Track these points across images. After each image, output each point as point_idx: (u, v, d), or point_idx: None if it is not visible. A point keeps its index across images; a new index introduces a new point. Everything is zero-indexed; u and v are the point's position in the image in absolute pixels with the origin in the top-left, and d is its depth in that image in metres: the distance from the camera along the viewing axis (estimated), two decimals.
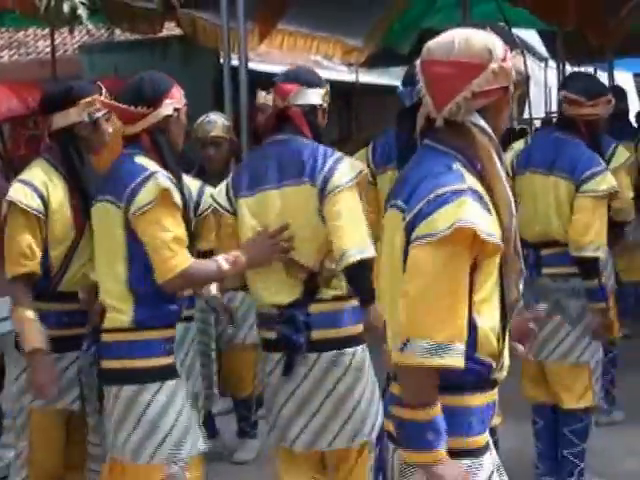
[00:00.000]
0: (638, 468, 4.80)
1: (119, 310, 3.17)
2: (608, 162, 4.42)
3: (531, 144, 4.52)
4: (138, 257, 3.15)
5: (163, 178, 3.13)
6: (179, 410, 3.20)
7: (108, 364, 3.21)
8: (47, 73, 9.65)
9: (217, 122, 4.98)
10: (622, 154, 4.68)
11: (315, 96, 3.56)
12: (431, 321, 2.13)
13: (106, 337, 3.21)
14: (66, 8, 3.53)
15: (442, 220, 2.12)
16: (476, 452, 2.27)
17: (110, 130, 3.51)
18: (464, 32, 2.31)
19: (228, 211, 3.55)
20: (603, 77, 12.71)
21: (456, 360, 2.13)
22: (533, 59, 14.40)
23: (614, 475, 4.67)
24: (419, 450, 2.17)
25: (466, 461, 2.25)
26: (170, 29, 9.12)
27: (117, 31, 10.17)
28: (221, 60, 9.60)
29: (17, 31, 13.13)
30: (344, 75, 12.98)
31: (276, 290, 3.46)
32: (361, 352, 3.47)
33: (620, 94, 7.02)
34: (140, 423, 3.16)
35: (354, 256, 3.24)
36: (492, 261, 2.22)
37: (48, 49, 11.88)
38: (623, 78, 18.32)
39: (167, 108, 3.21)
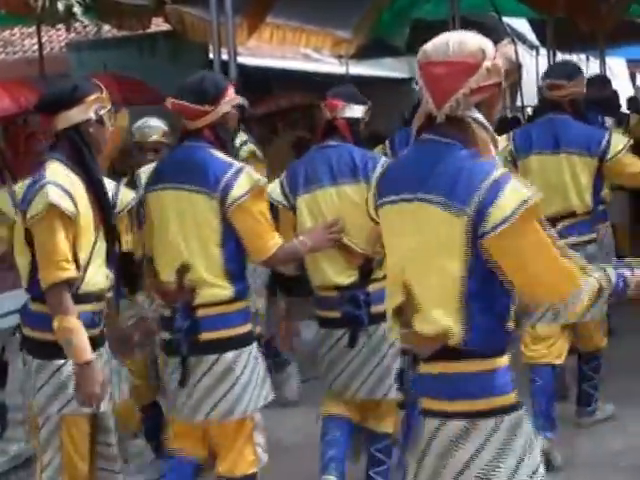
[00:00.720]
0: (625, 448, 4.83)
1: (220, 286, 3.63)
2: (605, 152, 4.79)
3: (528, 129, 5.01)
4: (231, 241, 3.64)
5: (253, 171, 3.67)
6: (261, 366, 3.75)
7: (209, 335, 3.63)
8: (34, 71, 9.64)
9: (157, 128, 5.02)
10: (619, 140, 4.92)
11: (358, 111, 4.16)
12: (571, 272, 2.42)
13: (207, 311, 3.63)
14: (61, 7, 3.53)
15: (512, 201, 2.32)
16: (520, 404, 2.49)
17: (111, 128, 3.52)
18: (457, 35, 2.49)
19: (285, 206, 4.10)
20: (595, 64, 12.78)
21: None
22: (524, 47, 14.44)
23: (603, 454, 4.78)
24: None
25: (521, 412, 2.48)
26: (158, 25, 9.13)
27: (104, 28, 10.17)
28: (210, 55, 9.69)
29: (3, 30, 13.13)
30: (334, 67, 12.99)
31: (335, 273, 4.03)
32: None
33: (605, 81, 7.42)
34: (238, 383, 3.63)
35: None
36: None
37: (35, 47, 11.87)
38: (616, 64, 18.39)
39: (226, 106, 3.66)
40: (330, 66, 13.24)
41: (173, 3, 7.91)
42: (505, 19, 12.51)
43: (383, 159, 4.13)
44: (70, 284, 3.31)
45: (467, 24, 10.13)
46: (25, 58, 12.22)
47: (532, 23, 13.70)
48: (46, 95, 3.50)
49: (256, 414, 3.76)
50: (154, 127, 5.01)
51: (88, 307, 3.43)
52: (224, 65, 6.03)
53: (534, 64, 15.04)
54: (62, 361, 3.36)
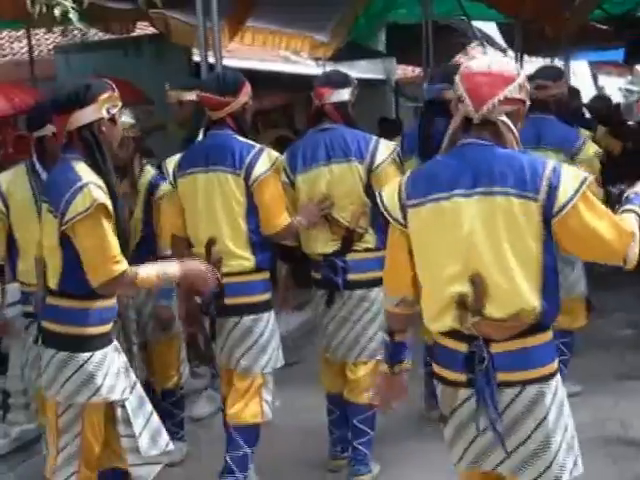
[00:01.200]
0: (591, 420, 4.91)
1: (244, 257, 4.02)
2: (576, 154, 5.04)
3: None
4: (254, 215, 4.01)
5: (272, 150, 4.09)
6: (277, 333, 4.19)
7: (231, 300, 4.02)
8: (23, 73, 9.59)
9: (124, 121, 5.01)
10: (591, 146, 5.18)
11: (345, 94, 4.37)
12: (627, 230, 2.74)
13: (232, 279, 4.00)
14: (57, 12, 3.53)
15: (572, 182, 2.67)
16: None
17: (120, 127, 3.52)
18: (499, 57, 3.03)
19: (287, 184, 4.35)
20: (559, 65, 12.89)
21: None
22: (493, 50, 14.52)
23: None
24: None
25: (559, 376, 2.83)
26: (142, 28, 9.10)
27: (91, 32, 10.14)
28: (193, 57, 9.67)
29: None
30: (312, 69, 12.98)
31: (322, 244, 4.36)
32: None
33: (575, 92, 7.64)
34: (256, 344, 4.06)
35: None
36: None
37: (23, 50, 11.85)
38: (579, 66, 18.55)
39: (244, 97, 4.08)
40: (308, 68, 13.26)
41: (159, 8, 7.89)
42: (475, 23, 12.60)
43: (375, 138, 4.37)
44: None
45: (439, 28, 10.25)
46: (14, 61, 12.11)
47: (500, 27, 13.73)
48: (59, 95, 3.41)
49: (268, 374, 4.13)
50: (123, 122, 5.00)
51: (111, 302, 3.45)
52: (210, 68, 6.02)
53: None
54: (88, 354, 3.39)
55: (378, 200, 2.93)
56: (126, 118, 4.99)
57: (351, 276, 4.32)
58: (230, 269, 3.99)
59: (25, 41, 10.30)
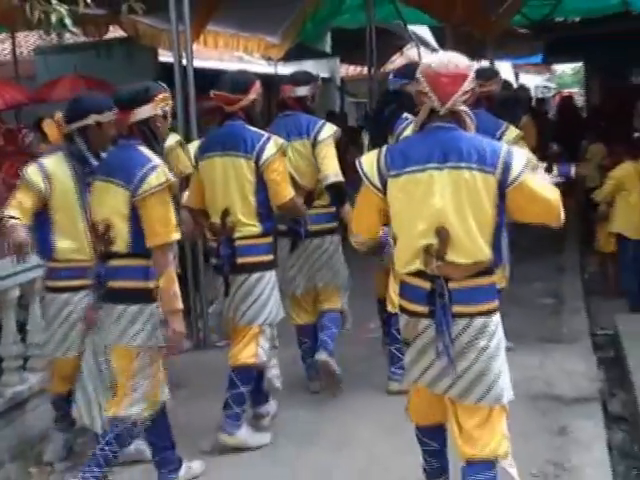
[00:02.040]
0: (520, 379, 5.00)
1: (252, 225, 4.44)
2: (500, 138, 5.26)
3: None
4: (262, 191, 4.42)
5: (278, 138, 4.47)
6: (277, 290, 4.55)
7: (242, 260, 4.43)
8: (6, 73, 9.70)
9: None
10: (512, 131, 5.52)
11: (303, 90, 5.08)
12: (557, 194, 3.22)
13: (242, 242, 4.42)
14: (54, 19, 3.75)
15: (520, 159, 3.12)
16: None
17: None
18: (452, 55, 3.22)
19: None
20: (486, 64, 13.21)
21: None
22: (426, 50, 14.84)
23: None
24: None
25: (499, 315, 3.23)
26: (113, 32, 9.22)
27: (67, 35, 10.20)
28: (159, 58, 9.82)
29: None
30: (265, 68, 13.20)
31: None
32: (337, 237, 5.13)
33: (526, 90, 8.05)
34: (259, 298, 4.43)
35: (331, 179, 4.87)
36: None
37: (5, 51, 11.87)
38: (503, 66, 18.99)
39: (254, 95, 4.46)
40: (261, 67, 13.46)
41: (129, 13, 8.05)
42: (410, 27, 12.86)
43: (323, 121, 5.07)
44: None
45: (378, 31, 10.52)
46: None
47: (433, 30, 14.02)
48: (122, 94, 3.79)
49: (267, 326, 4.49)
50: None
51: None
52: (172, 67, 6.15)
53: None
54: (155, 305, 3.76)
55: (358, 167, 3.31)
56: None
57: (311, 226, 5.00)
58: (241, 234, 4.43)
59: (7, 43, 10.34)
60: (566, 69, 34.70)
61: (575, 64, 27.97)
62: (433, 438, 3.51)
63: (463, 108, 3.18)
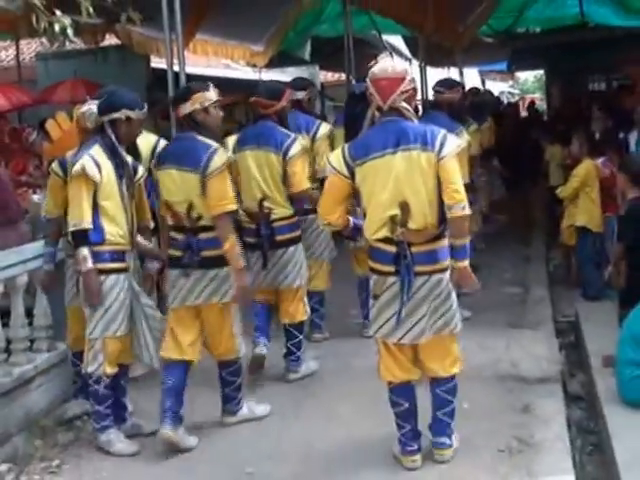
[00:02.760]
0: (488, 361, 5.23)
1: (286, 207, 5.01)
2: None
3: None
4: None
5: (302, 139, 5.10)
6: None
7: (281, 237, 5.01)
8: (11, 77, 9.69)
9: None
10: (464, 136, 5.75)
11: (299, 95, 5.60)
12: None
13: (279, 223, 5.00)
14: (57, 28, 3.78)
15: (452, 144, 3.67)
16: None
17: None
18: (390, 61, 3.80)
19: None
20: (454, 72, 13.30)
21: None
22: (399, 59, 14.90)
23: (470, 368, 4.93)
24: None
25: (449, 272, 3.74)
26: (109, 39, 9.19)
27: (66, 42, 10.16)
28: (152, 65, 9.79)
29: None
30: (250, 74, 13.20)
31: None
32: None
33: (492, 94, 8.47)
34: (296, 266, 5.04)
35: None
36: None
37: (9, 58, 11.82)
38: (470, 73, 19.11)
39: (285, 101, 5.07)
40: (246, 73, 13.47)
41: (135, 24, 8.02)
42: (384, 36, 12.90)
43: (319, 121, 5.64)
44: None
45: (355, 41, 10.61)
46: (2, 67, 12.06)
47: (406, 40, 14.08)
48: (176, 94, 4.62)
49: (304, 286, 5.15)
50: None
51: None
52: (163, 72, 6.16)
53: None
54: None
55: (326, 161, 3.92)
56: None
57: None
58: (277, 216, 5.00)
59: (10, 50, 10.28)
60: (529, 76, 34.96)
61: (537, 71, 28.17)
62: (402, 395, 3.83)
63: (403, 105, 3.67)
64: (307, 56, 13.16)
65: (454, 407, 3.87)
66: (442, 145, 3.62)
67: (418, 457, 3.83)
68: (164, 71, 6.19)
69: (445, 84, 6.27)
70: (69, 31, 3.76)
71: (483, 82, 23.47)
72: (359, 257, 5.61)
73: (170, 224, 4.33)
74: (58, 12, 3.76)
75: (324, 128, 5.57)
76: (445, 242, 3.72)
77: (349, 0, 8.65)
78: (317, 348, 5.76)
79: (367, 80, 3.70)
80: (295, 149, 4.94)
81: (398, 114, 3.65)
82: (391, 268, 3.67)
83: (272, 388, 5.04)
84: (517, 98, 29.50)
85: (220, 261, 4.18)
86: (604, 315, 5.83)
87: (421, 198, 3.62)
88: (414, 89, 3.71)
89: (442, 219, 3.65)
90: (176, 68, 5.98)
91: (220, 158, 4.10)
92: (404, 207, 3.62)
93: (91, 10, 3.64)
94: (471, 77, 19.08)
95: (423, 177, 3.61)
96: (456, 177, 3.63)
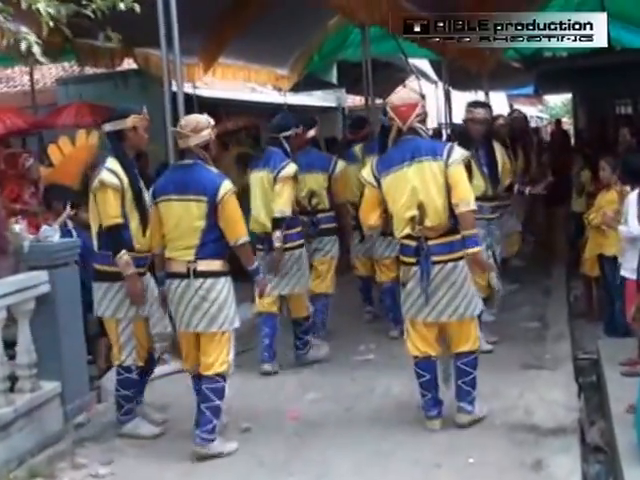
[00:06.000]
0: (499, 408, 4.68)
1: (324, 203, 6.10)
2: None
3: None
4: (330, 190, 6.12)
5: (342, 162, 6.23)
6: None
7: (324, 226, 6.05)
8: (28, 101, 9.40)
9: None
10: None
11: (312, 132, 6.18)
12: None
13: (323, 214, 6.07)
14: (23, 46, 3.36)
15: (458, 154, 4.26)
16: None
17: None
18: (408, 91, 4.63)
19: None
20: (481, 95, 12.81)
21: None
22: (426, 81, 14.46)
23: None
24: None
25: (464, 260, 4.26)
26: (129, 64, 8.88)
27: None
28: (173, 88, 9.44)
29: (5, 68, 12.71)
30: (275, 97, 12.84)
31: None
32: (302, 251, 5.68)
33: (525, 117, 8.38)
34: (331, 250, 6.12)
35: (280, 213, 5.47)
36: None
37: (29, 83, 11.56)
38: (498, 97, 18.52)
39: (313, 132, 6.12)
40: (272, 97, 13.10)
41: (140, 46, 7.69)
42: (410, 60, 12.48)
43: (334, 157, 6.32)
44: None
45: (382, 64, 10.12)
46: (23, 91, 11.83)
47: (432, 63, 13.67)
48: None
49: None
50: None
51: None
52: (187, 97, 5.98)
53: (434, 95, 15.13)
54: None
55: (361, 177, 4.51)
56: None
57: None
58: (323, 208, 6.07)
59: (35, 75, 9.99)
60: (557, 101, 34.13)
61: (566, 96, 27.41)
62: (425, 369, 4.38)
63: (418, 125, 4.32)
64: (334, 79, 12.76)
65: (474, 377, 4.39)
66: (449, 154, 4.21)
67: (437, 422, 4.39)
68: (185, 94, 6.02)
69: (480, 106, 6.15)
70: (35, 49, 3.32)
71: (511, 106, 22.86)
72: (382, 266, 6.39)
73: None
74: (24, 29, 3.33)
75: (340, 164, 6.27)
76: (457, 236, 4.23)
77: (367, 26, 8.18)
78: (317, 391, 5.21)
79: (387, 108, 4.34)
80: (338, 169, 6.12)
81: (414, 133, 4.28)
82: (413, 259, 4.28)
83: (266, 436, 4.52)
84: (545, 123, 28.75)
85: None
86: (627, 354, 5.17)
87: (434, 200, 4.20)
88: (425, 112, 4.36)
89: (452, 215, 4.19)
90: (199, 92, 5.70)
91: (226, 186, 4.19)
92: (421, 208, 4.19)
93: (51, 24, 3.21)
94: (498, 100, 18.50)
95: (435, 182, 4.20)
96: (462, 180, 4.18)
